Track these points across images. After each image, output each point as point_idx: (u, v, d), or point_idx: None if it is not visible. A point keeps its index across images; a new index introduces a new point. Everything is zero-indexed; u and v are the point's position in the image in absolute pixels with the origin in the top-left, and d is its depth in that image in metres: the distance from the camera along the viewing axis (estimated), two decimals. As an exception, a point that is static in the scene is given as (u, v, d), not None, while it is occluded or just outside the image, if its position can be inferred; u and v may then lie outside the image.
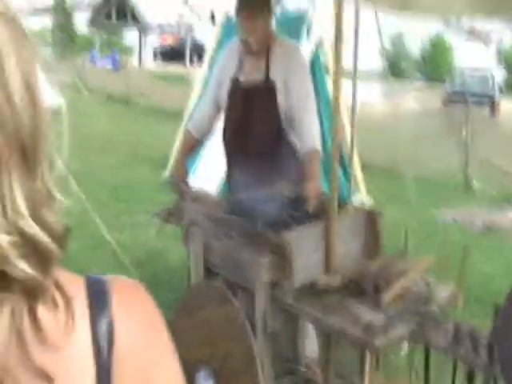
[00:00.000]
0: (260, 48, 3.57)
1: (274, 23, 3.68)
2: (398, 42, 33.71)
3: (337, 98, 5.52)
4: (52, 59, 14.90)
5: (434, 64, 30.95)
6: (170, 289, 5.00)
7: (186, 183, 3.83)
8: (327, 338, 2.90)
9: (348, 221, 2.97)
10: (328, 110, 8.28)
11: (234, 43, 3.79)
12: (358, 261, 2.93)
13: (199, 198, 3.53)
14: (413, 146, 13.11)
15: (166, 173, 9.59)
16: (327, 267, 2.82)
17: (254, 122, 3.57)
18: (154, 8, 25.16)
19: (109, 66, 25.28)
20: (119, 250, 5.86)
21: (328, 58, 8.35)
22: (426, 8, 4.22)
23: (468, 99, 16.15)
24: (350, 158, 8.58)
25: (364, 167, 9.36)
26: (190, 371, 2.95)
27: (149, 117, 15.76)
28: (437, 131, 12.78)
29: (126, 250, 6.07)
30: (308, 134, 3.43)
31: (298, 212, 3.00)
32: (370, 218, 3.00)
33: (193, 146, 4.02)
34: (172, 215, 3.50)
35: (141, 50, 26.25)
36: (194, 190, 3.78)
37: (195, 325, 3.00)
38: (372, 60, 32.05)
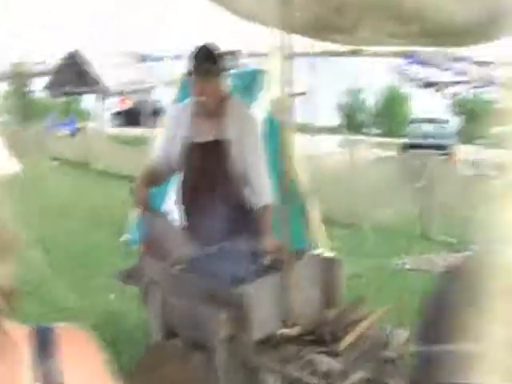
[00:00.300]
0: (212, 108, 3.65)
1: (228, 79, 3.75)
2: (354, 95, 34.35)
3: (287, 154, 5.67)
4: (9, 126, 14.83)
5: (390, 115, 31.51)
6: (129, 350, 4.95)
7: (151, 211, 3.79)
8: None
9: (306, 270, 2.99)
10: (277, 164, 8.38)
11: (186, 103, 3.85)
12: (316, 309, 2.94)
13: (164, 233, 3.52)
14: (370, 195, 13.31)
15: (124, 236, 9.55)
16: (286, 318, 2.82)
17: (210, 180, 3.61)
18: (112, 72, 25.36)
19: (67, 131, 25.26)
20: (78, 314, 5.82)
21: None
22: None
23: (425, 148, 16.47)
24: (309, 211, 8.70)
25: (323, 218, 9.44)
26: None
27: (107, 180, 15.70)
28: (394, 180, 12.95)
29: (85, 314, 6.02)
30: (262, 190, 3.50)
31: (256, 266, 3.01)
32: (328, 266, 3.03)
33: (153, 180, 3.89)
34: (131, 276, 3.48)
35: (99, 114, 26.30)
36: (159, 220, 3.74)
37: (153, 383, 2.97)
38: (330, 115, 32.69)
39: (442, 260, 8.61)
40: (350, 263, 8.27)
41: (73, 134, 23.06)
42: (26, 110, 28.36)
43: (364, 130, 32.39)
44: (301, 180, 8.24)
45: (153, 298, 3.07)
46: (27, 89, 29.50)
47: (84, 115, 32.03)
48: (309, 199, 8.73)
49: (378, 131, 31.96)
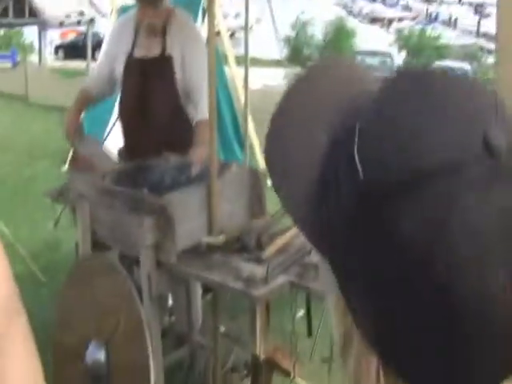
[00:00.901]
0: (158, 27, 3.57)
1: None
2: (300, 28, 34.10)
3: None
4: None
5: (336, 49, 31.44)
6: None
7: (81, 138, 3.73)
8: (214, 299, 2.93)
9: (231, 181, 2.99)
10: (226, 92, 8.35)
11: (128, 18, 3.75)
12: (243, 219, 2.96)
13: (92, 159, 3.48)
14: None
15: (65, 167, 9.44)
16: (211, 228, 2.83)
17: (152, 97, 3.56)
18: (53, 3, 24.56)
19: (8, 64, 24.57)
20: (16, 243, 5.79)
21: (226, 46, 8.36)
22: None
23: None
24: (245, 128, 8.67)
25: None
26: (80, 346, 2.92)
27: (48, 114, 15.37)
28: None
29: (22, 243, 5.99)
30: (202, 105, 3.43)
31: (183, 176, 3.01)
32: (254, 178, 3.03)
33: (87, 103, 3.89)
34: (62, 194, 3.43)
35: (40, 47, 25.62)
36: (89, 147, 3.70)
37: (83, 298, 2.97)
38: (275, 47, 32.42)
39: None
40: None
41: (14, 67, 22.45)
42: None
43: (309, 62, 32.27)
44: (240, 102, 8.16)
45: (81, 212, 3.04)
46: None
47: (26, 48, 31.18)
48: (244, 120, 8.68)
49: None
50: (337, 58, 0.76)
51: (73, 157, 3.66)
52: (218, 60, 8.24)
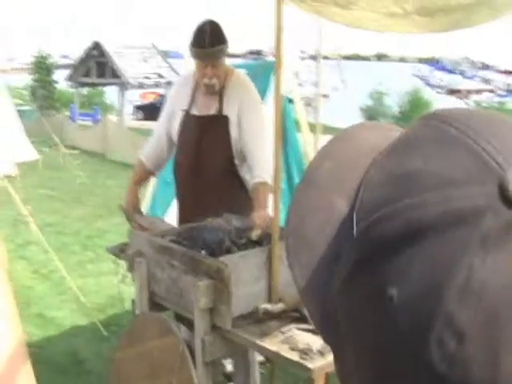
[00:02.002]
0: (217, 87, 3.59)
1: (244, 69, 3.66)
2: (377, 98, 34.19)
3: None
4: (31, 115, 15.00)
5: (412, 120, 31.24)
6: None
7: (139, 213, 3.80)
8: (270, 367, 2.83)
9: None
10: (298, 159, 8.35)
11: (187, 77, 3.80)
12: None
13: (151, 227, 3.49)
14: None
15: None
16: (270, 294, 2.75)
17: (206, 155, 3.56)
18: (133, 65, 25.47)
19: (89, 122, 25.39)
20: (82, 296, 5.86)
21: (299, 113, 8.43)
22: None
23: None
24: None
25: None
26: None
27: (123, 171, 15.73)
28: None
29: (89, 296, 6.05)
30: (258, 166, 3.40)
31: (242, 239, 2.95)
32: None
33: (145, 177, 4.01)
34: (123, 251, 3.43)
35: (120, 107, 26.42)
36: (147, 219, 3.74)
37: (137, 356, 2.92)
38: (353, 116, 32.54)
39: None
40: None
41: (95, 125, 23.16)
42: (49, 100, 28.59)
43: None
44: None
45: (138, 270, 3.01)
46: (50, 80, 29.74)
47: (108, 107, 32.24)
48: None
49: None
50: (371, 122, 0.70)
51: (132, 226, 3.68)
52: (290, 126, 8.39)
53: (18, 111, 18.80)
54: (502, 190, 0.43)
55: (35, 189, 13.52)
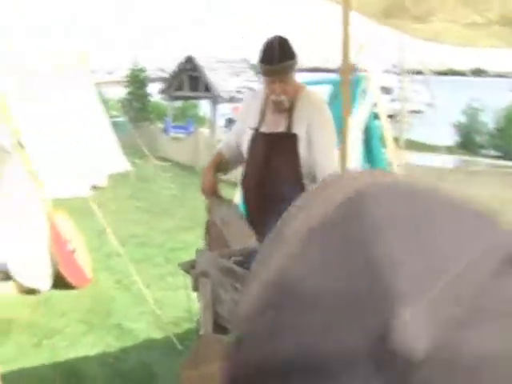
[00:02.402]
0: (286, 104, 3.54)
1: (330, 85, 3.57)
2: (472, 115, 33.34)
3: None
4: (125, 127, 15.39)
5: (508, 137, 30.27)
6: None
7: (217, 195, 3.77)
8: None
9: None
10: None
11: (257, 93, 3.77)
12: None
13: (224, 227, 3.45)
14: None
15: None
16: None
17: (274, 173, 3.51)
18: (225, 79, 25.80)
19: (182, 135, 25.81)
20: (158, 309, 5.93)
21: (385, 129, 8.34)
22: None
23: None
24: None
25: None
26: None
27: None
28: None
29: (165, 310, 6.12)
30: None
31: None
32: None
33: (222, 165, 3.92)
34: (193, 267, 3.42)
35: (213, 119, 26.77)
36: (223, 207, 3.69)
37: (200, 378, 2.88)
38: (446, 133, 31.85)
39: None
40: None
41: (187, 137, 23.53)
42: (143, 112, 29.29)
43: (482, 152, 31.30)
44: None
45: (203, 290, 2.98)
46: (145, 93, 30.48)
47: (201, 120, 32.74)
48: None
49: (497, 153, 30.77)
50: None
51: (207, 224, 3.65)
52: (376, 142, 8.27)
53: (113, 123, 19.35)
54: (384, 340, 0.34)
55: (125, 200, 13.86)
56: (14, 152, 6.91)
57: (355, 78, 8.80)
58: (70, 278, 7.16)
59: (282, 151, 3.51)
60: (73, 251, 7.46)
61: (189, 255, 8.27)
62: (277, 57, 3.39)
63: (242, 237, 3.37)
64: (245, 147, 3.67)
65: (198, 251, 3.31)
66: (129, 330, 6.03)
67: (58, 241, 7.22)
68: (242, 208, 3.88)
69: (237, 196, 7.28)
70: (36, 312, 6.52)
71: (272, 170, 3.52)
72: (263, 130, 3.61)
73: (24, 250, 6.89)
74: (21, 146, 7.04)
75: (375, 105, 8.25)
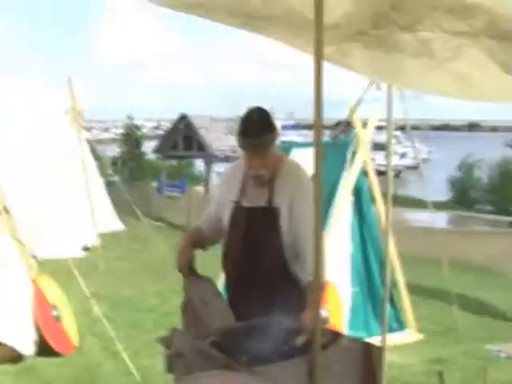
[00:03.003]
0: (266, 178, 3.44)
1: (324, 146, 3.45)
2: (466, 170, 33.46)
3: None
4: (118, 186, 15.32)
5: (503, 192, 30.25)
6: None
7: (194, 273, 3.63)
8: None
9: (340, 356, 2.68)
10: (374, 235, 8.16)
11: (237, 166, 3.67)
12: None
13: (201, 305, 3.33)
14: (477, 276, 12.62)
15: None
16: (311, 409, 2.51)
17: (254, 248, 3.39)
18: (219, 138, 25.99)
19: (176, 194, 25.78)
20: (146, 377, 5.78)
21: (373, 186, 8.30)
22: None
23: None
24: (398, 287, 8.31)
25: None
26: None
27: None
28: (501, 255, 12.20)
29: (153, 377, 5.98)
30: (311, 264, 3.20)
31: (286, 346, 2.73)
32: (368, 354, 2.70)
33: (198, 241, 3.75)
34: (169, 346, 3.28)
35: (207, 178, 26.84)
36: (200, 283, 3.56)
37: None
38: (441, 189, 31.90)
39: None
40: (438, 346, 7.83)
41: (182, 196, 23.48)
42: (137, 171, 29.34)
43: (476, 207, 31.30)
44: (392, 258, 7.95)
45: (177, 371, 2.84)
46: (139, 151, 30.63)
47: (196, 178, 32.79)
48: (399, 276, 8.40)
49: (491, 208, 30.75)
50: None
51: (183, 303, 3.52)
52: (365, 198, 8.20)
53: (107, 182, 19.34)
54: None
55: (117, 261, 13.68)
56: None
57: (346, 139, 8.79)
58: (54, 345, 6.96)
59: (263, 226, 3.39)
60: (58, 317, 7.28)
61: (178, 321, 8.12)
62: (256, 130, 3.29)
63: (220, 316, 3.25)
64: (225, 220, 3.56)
65: (173, 330, 3.18)
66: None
67: (42, 306, 7.05)
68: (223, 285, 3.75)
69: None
70: (19, 380, 6.32)
71: (253, 244, 3.40)
72: (244, 203, 3.51)
73: (7, 315, 6.72)
74: (6, 210, 6.92)
75: (364, 162, 8.22)
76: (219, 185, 3.91)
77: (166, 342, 3.25)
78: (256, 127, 3.28)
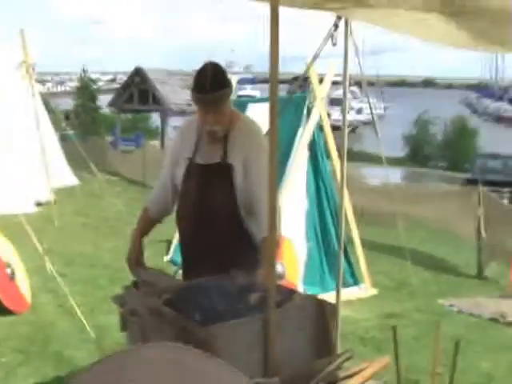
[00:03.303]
0: (220, 134, 3.39)
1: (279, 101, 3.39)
2: (421, 127, 33.77)
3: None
4: (73, 140, 15.04)
5: (457, 148, 30.69)
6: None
7: (142, 266, 3.61)
8: None
9: (294, 313, 2.67)
10: (329, 190, 8.19)
11: (191, 122, 3.61)
12: (302, 360, 2.61)
13: (156, 282, 3.30)
14: (431, 230, 12.80)
15: (168, 257, 9.43)
16: (265, 367, 2.51)
17: (208, 205, 3.36)
18: (174, 93, 25.66)
19: (132, 148, 25.47)
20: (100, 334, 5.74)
21: (329, 141, 8.29)
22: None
23: (490, 185, 15.93)
24: (353, 243, 8.39)
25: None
26: None
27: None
28: (455, 216, 12.35)
29: (108, 334, 5.96)
30: (265, 219, 3.18)
31: (240, 304, 2.71)
32: (322, 310, 2.70)
33: (149, 226, 3.79)
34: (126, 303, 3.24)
35: (163, 132, 26.55)
36: (152, 273, 3.55)
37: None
38: (397, 144, 32.17)
39: (494, 304, 8.09)
40: (392, 301, 7.96)
41: (137, 150, 23.20)
42: (92, 125, 28.88)
43: (431, 163, 31.70)
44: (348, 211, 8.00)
45: (132, 330, 2.81)
46: (94, 105, 30.13)
47: (153, 132, 32.40)
48: (354, 232, 8.46)
49: (445, 164, 31.18)
50: None
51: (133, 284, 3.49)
52: (321, 154, 8.19)
53: (61, 136, 18.99)
54: None
55: (72, 216, 13.53)
56: None
57: (302, 94, 8.74)
58: (8, 304, 6.88)
59: (217, 182, 3.36)
60: (11, 274, 7.17)
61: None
62: (209, 85, 3.22)
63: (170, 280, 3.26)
64: (179, 179, 3.51)
65: (126, 288, 3.14)
66: (68, 358, 5.79)
67: (-5, 265, 6.94)
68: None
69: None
70: (-31, 340, 6.23)
71: (207, 201, 3.37)
72: (198, 161, 3.46)
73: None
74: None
75: (320, 117, 8.19)
76: (172, 142, 3.85)
77: (120, 300, 3.21)
78: (209, 82, 3.22)
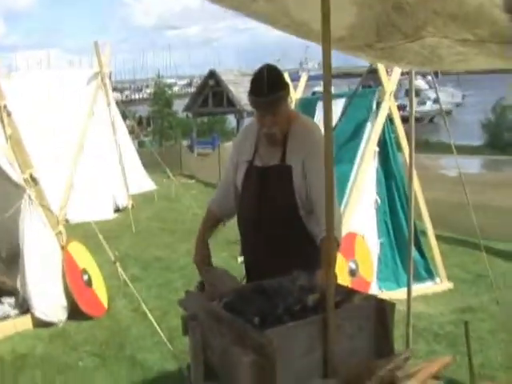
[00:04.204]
0: (279, 136, 3.39)
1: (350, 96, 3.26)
2: (500, 113, 32.75)
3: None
4: (150, 146, 15.31)
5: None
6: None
7: (209, 266, 3.62)
8: None
9: (353, 313, 2.63)
10: (401, 185, 8.04)
11: (251, 125, 3.62)
12: (364, 360, 2.56)
13: (218, 283, 3.32)
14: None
15: (241, 258, 9.44)
16: (325, 369, 2.47)
17: (268, 207, 3.36)
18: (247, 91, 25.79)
19: (209, 150, 25.71)
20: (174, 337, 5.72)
21: (399, 135, 8.14)
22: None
23: None
24: (427, 236, 8.21)
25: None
26: None
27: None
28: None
29: (181, 337, 5.99)
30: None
31: (298, 305, 2.68)
32: (381, 310, 2.65)
33: (215, 226, 3.80)
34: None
35: (237, 134, 26.73)
36: (217, 272, 3.55)
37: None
38: (475, 133, 31.33)
39: None
40: (469, 295, 7.72)
41: (214, 152, 23.41)
42: (168, 130, 29.30)
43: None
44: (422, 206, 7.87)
45: (192, 334, 2.82)
46: (170, 110, 30.52)
47: (229, 134, 32.59)
48: (428, 225, 8.29)
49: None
50: None
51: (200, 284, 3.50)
52: (391, 146, 8.03)
53: (138, 142, 19.35)
54: None
55: (149, 221, 13.74)
56: (27, 187, 6.83)
57: (371, 90, 8.62)
58: (86, 310, 7.07)
59: (277, 184, 3.36)
60: (88, 280, 7.36)
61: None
62: (265, 88, 3.22)
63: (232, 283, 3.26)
64: (240, 181, 3.53)
65: (187, 293, 3.16)
66: (142, 361, 5.89)
67: (72, 271, 7.13)
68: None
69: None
70: (51, 345, 6.41)
71: (267, 203, 3.36)
72: (257, 163, 3.47)
73: (39, 283, 6.82)
74: (34, 180, 6.95)
75: (390, 110, 8.05)
76: (233, 144, 3.86)
77: (185, 303, 3.24)
78: (266, 85, 3.21)
